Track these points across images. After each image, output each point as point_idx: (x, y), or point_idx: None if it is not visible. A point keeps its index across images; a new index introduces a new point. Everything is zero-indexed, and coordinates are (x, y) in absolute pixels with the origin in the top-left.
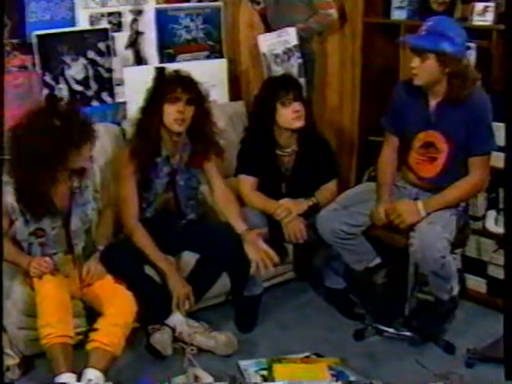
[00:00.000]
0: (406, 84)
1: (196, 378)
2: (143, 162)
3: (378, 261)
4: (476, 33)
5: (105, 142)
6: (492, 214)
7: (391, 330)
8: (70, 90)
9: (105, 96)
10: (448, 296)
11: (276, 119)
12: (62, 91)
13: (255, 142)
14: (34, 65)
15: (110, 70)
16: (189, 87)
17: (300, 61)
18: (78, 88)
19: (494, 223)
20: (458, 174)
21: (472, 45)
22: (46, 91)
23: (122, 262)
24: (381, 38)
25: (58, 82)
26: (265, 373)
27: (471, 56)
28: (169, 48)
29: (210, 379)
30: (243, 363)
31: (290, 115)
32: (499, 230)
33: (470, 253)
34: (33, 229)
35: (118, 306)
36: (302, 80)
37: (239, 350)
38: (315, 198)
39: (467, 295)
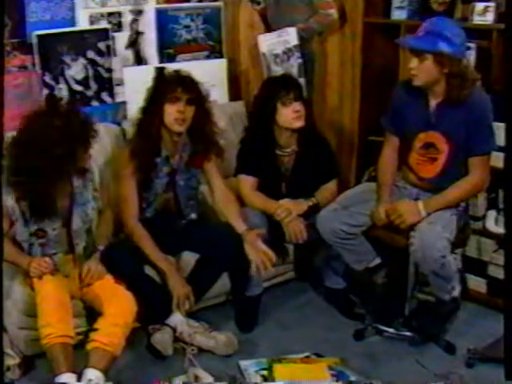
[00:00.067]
0: (406, 84)
1: (196, 377)
2: (143, 161)
3: (378, 261)
4: (476, 33)
5: (105, 142)
6: (492, 214)
7: (391, 330)
8: (70, 90)
9: (105, 96)
10: (449, 296)
11: (276, 119)
12: (62, 91)
13: (255, 141)
14: (33, 65)
15: (109, 70)
16: (189, 87)
17: (300, 61)
18: (78, 88)
19: (494, 223)
20: (459, 174)
21: (472, 45)
22: (45, 91)
23: (122, 261)
24: (381, 38)
25: (57, 82)
26: (265, 373)
27: (471, 56)
28: (169, 48)
29: (210, 379)
30: (243, 363)
31: (290, 115)
32: (499, 229)
33: (471, 253)
34: (33, 230)
35: (118, 306)
36: (301, 80)
37: (239, 349)
38: (315, 199)
39: (467, 295)
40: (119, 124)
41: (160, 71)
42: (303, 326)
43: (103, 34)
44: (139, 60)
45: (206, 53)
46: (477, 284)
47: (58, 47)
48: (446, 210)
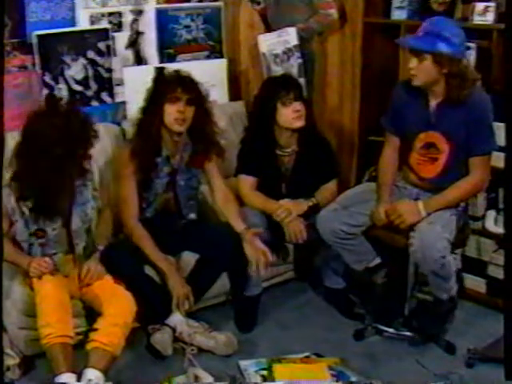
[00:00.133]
0: (406, 84)
1: (196, 377)
2: (143, 161)
3: (377, 261)
4: (476, 33)
5: (105, 142)
6: (492, 214)
7: (391, 330)
8: (70, 90)
9: (105, 96)
10: (447, 295)
11: (276, 119)
12: (62, 91)
13: (255, 141)
14: (33, 65)
15: (109, 70)
16: (189, 87)
17: (300, 61)
18: (78, 88)
19: (493, 223)
20: (459, 174)
21: (472, 45)
22: (45, 91)
23: (122, 261)
24: (381, 38)
25: (57, 82)
26: (265, 373)
27: (471, 56)
28: (169, 48)
29: (210, 379)
30: (243, 363)
31: (290, 115)
32: (499, 229)
33: (470, 253)
34: (33, 229)
35: (118, 306)
36: (301, 80)
37: (239, 350)
38: (315, 199)
39: (467, 295)
40: (119, 124)
41: (160, 71)
42: (303, 326)
43: (103, 34)
44: (139, 60)
45: (206, 53)
46: (476, 284)
47: (58, 47)
48: (445, 210)
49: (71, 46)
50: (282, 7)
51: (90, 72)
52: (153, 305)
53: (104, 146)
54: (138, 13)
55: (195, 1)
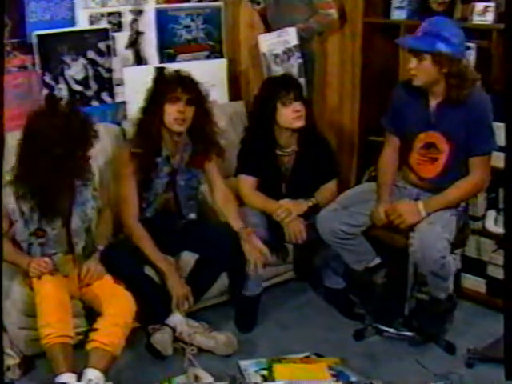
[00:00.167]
0: (406, 84)
1: (196, 377)
2: (144, 161)
3: (377, 261)
4: (476, 33)
5: (105, 142)
6: (492, 214)
7: (391, 329)
8: (70, 90)
9: (105, 96)
10: (445, 295)
11: (276, 119)
12: (62, 91)
13: (255, 141)
14: (33, 65)
15: (109, 70)
16: (189, 87)
17: (300, 61)
18: (78, 88)
19: (493, 223)
20: (459, 174)
21: (472, 45)
22: (45, 91)
23: (122, 262)
24: (381, 38)
25: (57, 82)
26: (265, 373)
27: (471, 56)
28: (169, 48)
29: (210, 379)
30: (243, 363)
31: (290, 115)
32: (499, 230)
33: (470, 253)
34: (33, 229)
35: (118, 306)
36: (301, 80)
37: (239, 350)
38: (315, 199)
39: (467, 295)
40: (119, 124)
41: (160, 71)
42: (303, 326)
43: (103, 34)
44: (139, 60)
45: (206, 53)
46: (476, 284)
47: (58, 47)
48: (445, 210)
49: (71, 46)
50: (282, 7)
51: (90, 72)
52: (153, 305)
53: (104, 145)
54: (138, 13)
55: (195, 1)
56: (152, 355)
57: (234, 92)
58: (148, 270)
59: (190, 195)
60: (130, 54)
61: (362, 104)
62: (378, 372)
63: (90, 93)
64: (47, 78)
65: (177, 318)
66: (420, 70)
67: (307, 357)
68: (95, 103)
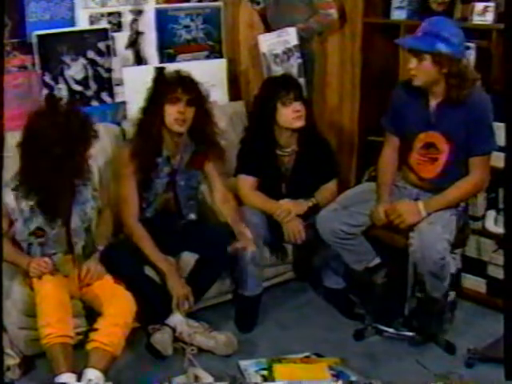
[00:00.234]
0: (406, 84)
1: (196, 378)
2: (144, 161)
3: (377, 261)
4: (476, 33)
5: (105, 142)
6: (492, 214)
7: (391, 330)
8: (70, 89)
9: (104, 96)
10: (440, 294)
11: (276, 119)
12: (62, 91)
13: (255, 141)
14: (33, 65)
15: (109, 70)
16: (189, 88)
17: (300, 61)
18: (78, 88)
19: (493, 223)
20: (459, 174)
21: (472, 45)
22: (45, 91)
23: (122, 262)
24: (381, 38)
25: (57, 82)
26: (265, 373)
27: (471, 56)
28: (169, 48)
29: (210, 379)
30: (243, 363)
31: (290, 115)
32: (499, 230)
33: (470, 253)
34: (33, 229)
35: (118, 306)
36: (301, 80)
37: (239, 350)
38: (315, 199)
39: (467, 295)
40: (119, 124)
41: (160, 71)
42: (303, 326)
43: (103, 34)
44: (139, 60)
45: (205, 53)
46: (476, 284)
47: (57, 47)
48: (445, 210)
49: (71, 46)
50: (282, 7)
51: (90, 72)
52: (153, 305)
53: (104, 146)
54: (138, 13)
55: (195, 1)
56: (152, 355)
57: (234, 92)
58: (148, 270)
59: (190, 195)
60: (129, 54)
61: (362, 104)
62: (377, 372)
63: (89, 93)
64: (47, 78)
65: (177, 318)
66: (420, 70)
67: (307, 357)
68: (95, 103)
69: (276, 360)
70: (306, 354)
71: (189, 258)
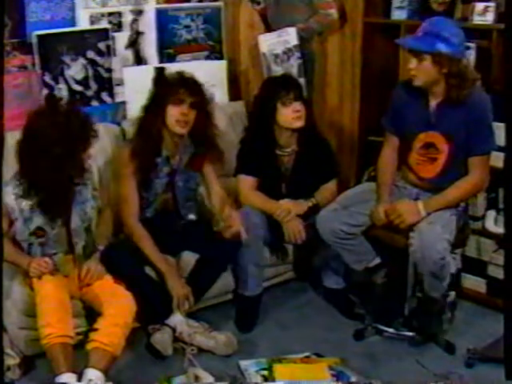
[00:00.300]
0: (406, 84)
1: (196, 377)
2: (144, 161)
3: (377, 261)
4: (476, 33)
5: (105, 142)
6: (492, 213)
7: (391, 330)
8: (70, 89)
9: (104, 96)
10: (439, 294)
11: (276, 119)
12: (62, 91)
13: (255, 141)
14: (33, 65)
15: (109, 70)
16: (193, 90)
17: (300, 61)
18: (78, 88)
19: (493, 223)
20: (459, 174)
21: (472, 45)
22: (45, 91)
23: (122, 262)
24: (381, 38)
25: (57, 82)
26: (265, 373)
27: (471, 56)
28: (169, 48)
29: (210, 379)
30: (243, 363)
31: (290, 115)
32: (499, 229)
33: (470, 253)
34: (33, 229)
35: (118, 306)
36: (301, 80)
37: (239, 350)
38: (315, 199)
39: (467, 295)
40: (119, 124)
41: (160, 71)
42: (303, 326)
43: (103, 34)
44: (139, 60)
45: (206, 53)
46: (476, 284)
47: (57, 47)
48: (445, 210)
49: (71, 46)
50: (282, 7)
51: (90, 72)
52: (153, 305)
53: (104, 146)
54: (138, 13)
55: (195, 1)
56: (152, 355)
57: (234, 92)
58: (148, 270)
59: (189, 196)
60: (129, 54)
61: (362, 104)
62: (377, 372)
63: (89, 93)
64: (47, 78)
65: (177, 318)
66: (420, 70)
67: (307, 357)
68: (95, 103)
69: (276, 360)
70: (306, 353)
71: (189, 258)
